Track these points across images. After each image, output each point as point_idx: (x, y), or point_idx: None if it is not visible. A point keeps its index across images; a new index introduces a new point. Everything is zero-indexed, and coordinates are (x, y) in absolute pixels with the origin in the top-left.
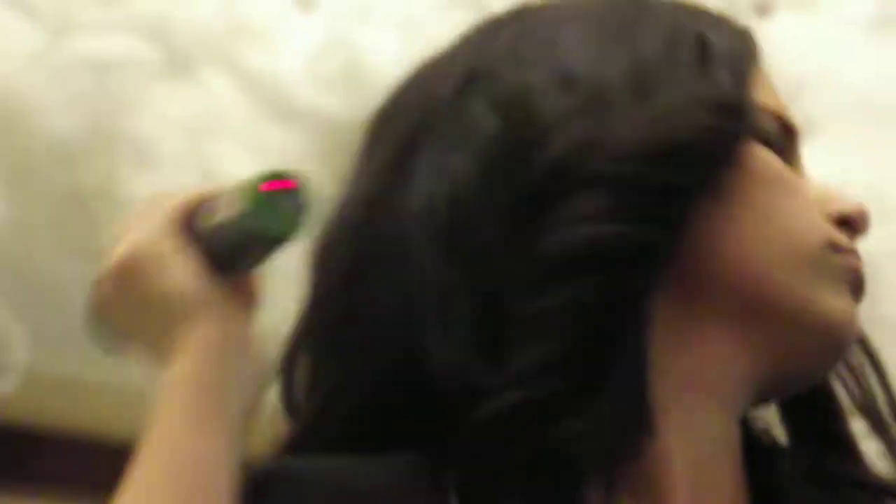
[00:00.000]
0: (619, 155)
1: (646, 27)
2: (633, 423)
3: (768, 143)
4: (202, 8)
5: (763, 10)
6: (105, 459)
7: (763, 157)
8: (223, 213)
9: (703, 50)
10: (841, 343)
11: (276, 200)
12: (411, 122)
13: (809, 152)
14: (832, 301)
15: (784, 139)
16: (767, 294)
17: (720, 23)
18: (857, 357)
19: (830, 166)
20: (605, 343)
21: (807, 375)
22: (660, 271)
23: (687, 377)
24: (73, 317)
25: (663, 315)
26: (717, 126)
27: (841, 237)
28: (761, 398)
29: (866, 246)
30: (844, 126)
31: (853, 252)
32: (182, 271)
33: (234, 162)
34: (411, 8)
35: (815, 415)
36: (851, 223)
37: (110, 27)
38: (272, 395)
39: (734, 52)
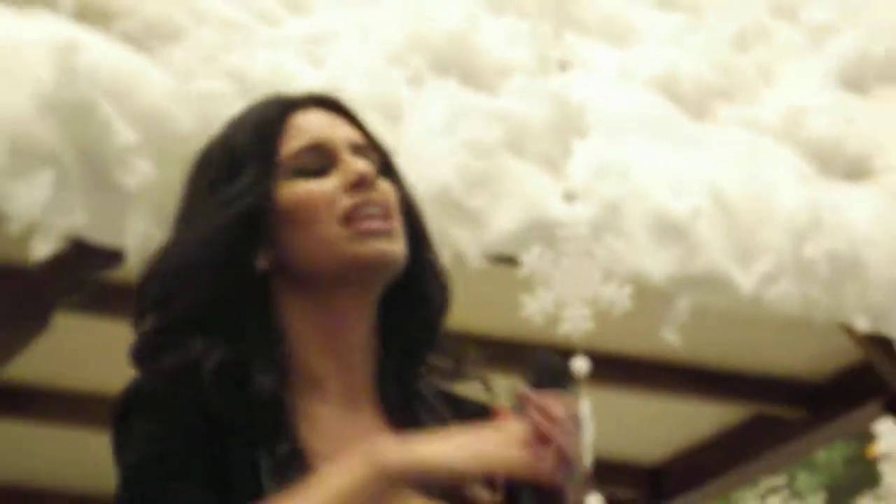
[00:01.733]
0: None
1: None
2: (275, 355)
3: (301, 172)
4: None
5: (563, 66)
6: None
7: (287, 195)
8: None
9: (229, 161)
10: (372, 263)
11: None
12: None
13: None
14: (358, 249)
15: (318, 158)
16: (326, 269)
17: (247, 119)
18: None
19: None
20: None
21: (367, 284)
22: (272, 282)
23: (314, 317)
24: None
25: (288, 295)
26: (233, 235)
27: (347, 205)
28: (375, 309)
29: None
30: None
31: (364, 213)
32: None
33: None
34: None
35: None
36: (358, 185)
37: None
38: None
39: (256, 137)
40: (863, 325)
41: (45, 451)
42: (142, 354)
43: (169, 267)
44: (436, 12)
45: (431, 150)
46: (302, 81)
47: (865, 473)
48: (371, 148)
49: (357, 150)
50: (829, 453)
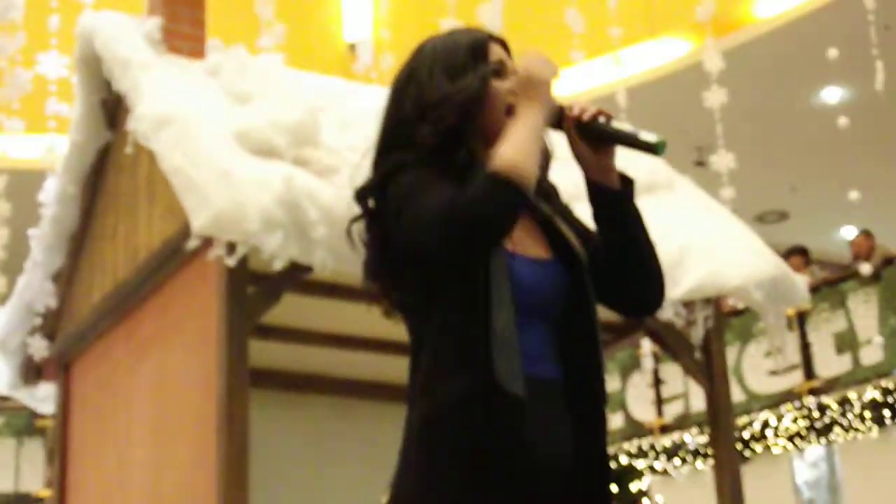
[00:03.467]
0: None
1: (438, 58)
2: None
3: (495, 74)
4: None
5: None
6: None
7: (494, 85)
8: (624, 126)
9: (457, 60)
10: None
11: (660, 146)
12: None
13: None
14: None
15: (499, 68)
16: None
17: (461, 37)
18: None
19: None
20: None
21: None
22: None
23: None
24: None
25: (480, 144)
26: (465, 93)
27: (512, 101)
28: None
29: None
30: None
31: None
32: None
33: None
34: None
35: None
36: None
37: None
38: None
39: (473, 45)
40: None
41: None
42: (401, 143)
43: (422, 98)
44: None
45: None
46: None
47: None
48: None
49: (511, 69)
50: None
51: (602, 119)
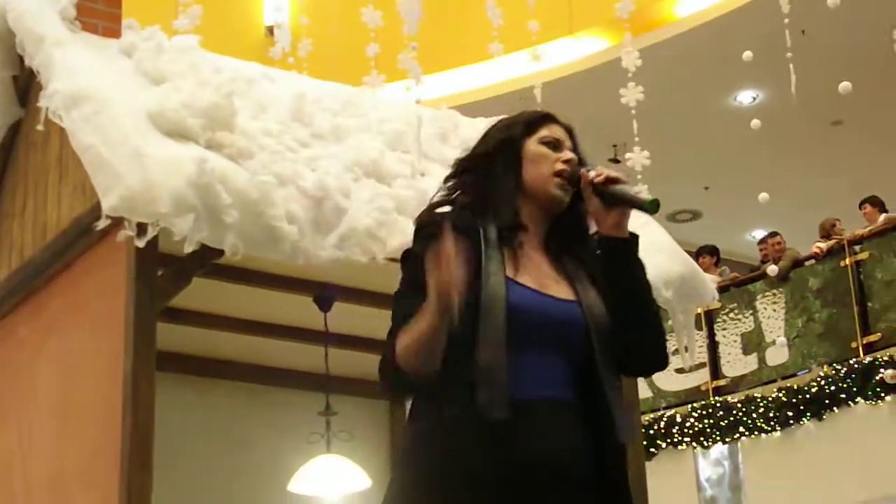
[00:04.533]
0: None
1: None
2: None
3: (548, 145)
4: None
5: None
6: None
7: (532, 145)
8: (628, 189)
9: (517, 121)
10: (560, 197)
11: (654, 205)
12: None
13: None
14: (556, 191)
15: (551, 141)
16: (542, 188)
17: (529, 113)
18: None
19: None
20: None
21: (555, 207)
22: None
23: (528, 211)
24: None
25: (522, 197)
26: (509, 139)
27: (559, 168)
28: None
29: None
30: None
31: (564, 175)
32: None
33: None
34: None
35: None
36: (566, 161)
37: None
38: None
39: (529, 119)
40: None
41: None
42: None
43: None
44: None
45: None
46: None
47: None
48: (572, 146)
49: (568, 148)
50: None
51: (612, 182)
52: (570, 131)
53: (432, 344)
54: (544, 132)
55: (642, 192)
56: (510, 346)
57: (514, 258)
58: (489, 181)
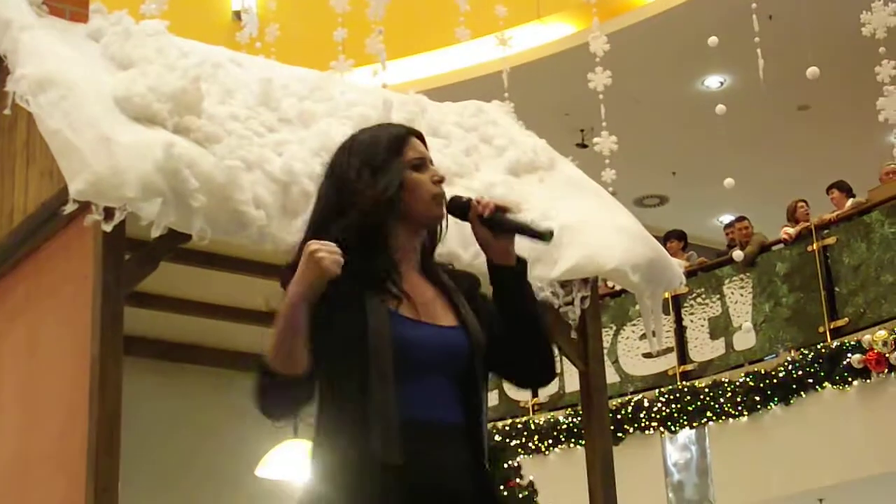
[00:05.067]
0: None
1: (358, 147)
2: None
3: (413, 167)
4: None
5: None
6: None
7: (408, 177)
8: (523, 217)
9: (377, 156)
10: (438, 216)
11: (548, 235)
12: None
13: None
14: (436, 211)
15: (419, 163)
16: (420, 213)
17: (383, 133)
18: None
19: None
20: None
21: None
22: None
23: (406, 233)
24: None
25: (393, 225)
26: (385, 188)
27: (434, 190)
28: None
29: None
30: None
31: (440, 195)
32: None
33: None
34: None
35: None
36: (438, 181)
37: None
38: None
39: (392, 141)
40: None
41: None
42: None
43: (343, 194)
44: None
45: None
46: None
47: None
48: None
49: (430, 161)
50: None
51: (500, 212)
52: (422, 138)
53: (294, 331)
54: (411, 154)
55: (535, 220)
56: (401, 377)
57: (396, 289)
58: (367, 220)
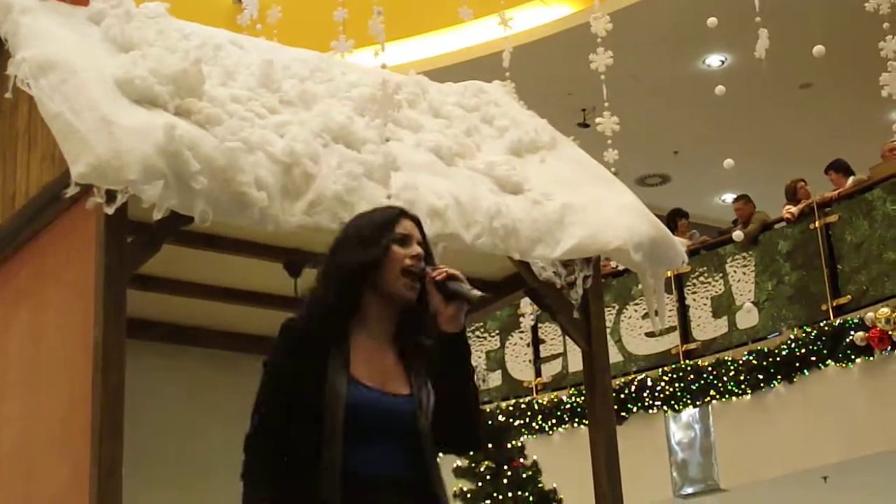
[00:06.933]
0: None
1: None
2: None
3: (399, 242)
4: None
5: (387, 139)
6: None
7: (394, 249)
8: (462, 285)
9: (370, 233)
10: (408, 296)
11: (477, 299)
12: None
13: None
14: (405, 291)
15: (404, 239)
16: (390, 286)
17: (377, 215)
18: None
19: None
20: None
21: (403, 304)
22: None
23: (379, 305)
24: None
25: (371, 296)
26: (367, 259)
27: (407, 265)
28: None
29: None
30: None
31: (414, 268)
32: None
33: None
34: None
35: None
36: (414, 257)
37: None
38: None
39: (384, 222)
40: (515, 256)
41: None
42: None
43: (332, 274)
44: None
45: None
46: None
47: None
48: (421, 239)
49: (417, 241)
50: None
51: (451, 279)
52: (417, 222)
53: None
54: (398, 230)
55: (473, 289)
56: (352, 438)
57: (360, 358)
58: (343, 287)
